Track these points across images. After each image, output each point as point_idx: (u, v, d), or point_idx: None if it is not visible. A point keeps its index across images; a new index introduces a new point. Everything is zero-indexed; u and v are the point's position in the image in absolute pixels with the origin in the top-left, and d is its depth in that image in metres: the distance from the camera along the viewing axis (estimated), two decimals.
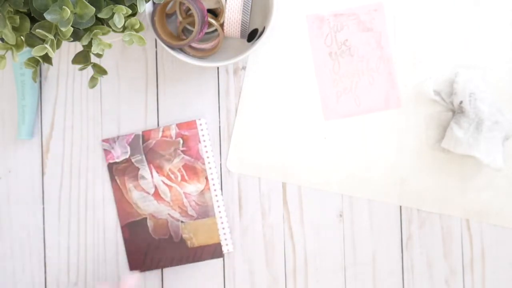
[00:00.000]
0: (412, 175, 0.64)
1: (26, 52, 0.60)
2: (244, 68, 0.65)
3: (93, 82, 0.52)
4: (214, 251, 0.62)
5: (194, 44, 0.62)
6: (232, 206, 0.64)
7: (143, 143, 0.62)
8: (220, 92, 0.65)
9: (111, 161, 0.63)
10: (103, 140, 0.63)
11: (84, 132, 0.64)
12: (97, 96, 0.64)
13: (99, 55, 0.50)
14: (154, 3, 0.59)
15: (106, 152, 0.63)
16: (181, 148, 0.62)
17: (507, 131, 0.62)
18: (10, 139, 0.64)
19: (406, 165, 0.64)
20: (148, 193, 0.63)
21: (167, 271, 0.64)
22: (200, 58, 0.62)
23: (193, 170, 0.62)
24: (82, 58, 0.51)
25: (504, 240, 0.64)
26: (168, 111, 0.65)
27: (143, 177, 0.62)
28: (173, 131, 0.62)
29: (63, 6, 0.43)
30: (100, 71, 0.52)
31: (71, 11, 0.43)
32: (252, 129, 0.64)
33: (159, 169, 0.62)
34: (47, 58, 0.48)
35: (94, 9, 0.44)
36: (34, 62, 0.49)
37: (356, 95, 0.65)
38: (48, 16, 0.43)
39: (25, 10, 0.46)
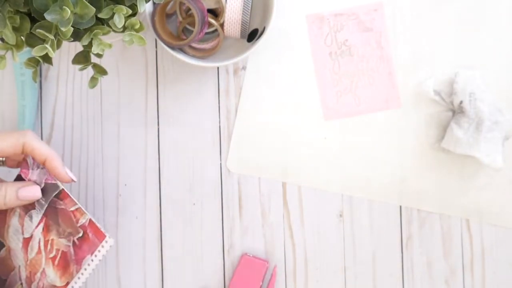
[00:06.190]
0: (412, 175, 0.64)
1: (26, 52, 0.60)
2: (244, 68, 0.65)
3: (93, 82, 0.51)
4: None
5: (194, 44, 0.62)
6: (232, 206, 0.64)
7: (55, 196, 0.53)
8: (220, 92, 0.65)
9: (23, 175, 0.54)
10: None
11: (84, 132, 0.64)
12: (97, 96, 0.64)
13: (99, 55, 0.50)
14: (154, 3, 0.59)
15: (25, 164, 0.54)
16: (76, 239, 0.53)
17: (507, 131, 0.62)
18: None
19: (406, 165, 0.64)
20: (22, 233, 0.54)
21: (167, 269, 0.64)
22: (200, 58, 0.62)
23: (66, 263, 0.53)
24: (82, 58, 0.51)
25: (504, 240, 0.65)
26: (168, 111, 0.65)
27: (30, 217, 0.54)
28: (84, 220, 0.53)
29: (63, 6, 0.43)
30: (100, 71, 0.52)
31: (71, 11, 0.43)
32: (252, 129, 0.64)
33: (47, 229, 0.53)
34: (47, 58, 0.48)
35: (94, 9, 0.44)
36: (34, 62, 0.49)
37: (356, 95, 0.65)
38: (48, 16, 0.43)
39: (25, 10, 0.46)
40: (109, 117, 0.64)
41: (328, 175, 0.64)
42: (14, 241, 0.54)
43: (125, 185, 0.64)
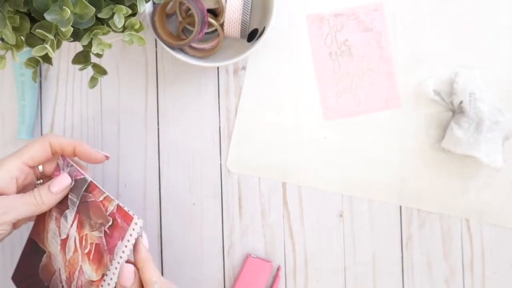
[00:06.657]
0: (412, 175, 0.64)
1: (26, 52, 0.60)
2: (244, 68, 0.65)
3: (93, 82, 0.52)
4: None
5: (194, 44, 0.62)
6: (232, 206, 0.64)
7: (84, 190, 0.53)
8: (220, 92, 0.65)
9: (53, 177, 0.54)
10: (61, 156, 0.55)
11: (84, 132, 0.64)
12: (97, 96, 0.64)
13: (99, 55, 0.50)
14: (154, 3, 0.59)
15: (57, 168, 0.55)
16: (106, 228, 0.51)
17: (507, 131, 0.62)
18: (10, 139, 0.64)
19: (406, 165, 0.64)
20: (59, 235, 0.54)
21: (167, 269, 0.64)
22: (200, 58, 0.62)
23: (100, 255, 0.51)
24: (82, 58, 0.51)
25: (504, 240, 0.64)
26: (168, 111, 0.65)
27: (65, 218, 0.53)
28: (112, 207, 0.51)
29: (63, 6, 0.43)
30: (100, 71, 0.52)
31: (71, 11, 0.43)
32: (252, 129, 0.64)
33: (80, 225, 0.52)
34: (47, 58, 0.48)
35: (94, 9, 0.44)
36: (34, 62, 0.49)
37: (356, 95, 0.65)
38: (48, 16, 0.43)
39: (25, 10, 0.46)
40: (109, 117, 0.64)
41: (328, 175, 0.64)
42: (53, 245, 0.54)
43: (125, 185, 0.64)
